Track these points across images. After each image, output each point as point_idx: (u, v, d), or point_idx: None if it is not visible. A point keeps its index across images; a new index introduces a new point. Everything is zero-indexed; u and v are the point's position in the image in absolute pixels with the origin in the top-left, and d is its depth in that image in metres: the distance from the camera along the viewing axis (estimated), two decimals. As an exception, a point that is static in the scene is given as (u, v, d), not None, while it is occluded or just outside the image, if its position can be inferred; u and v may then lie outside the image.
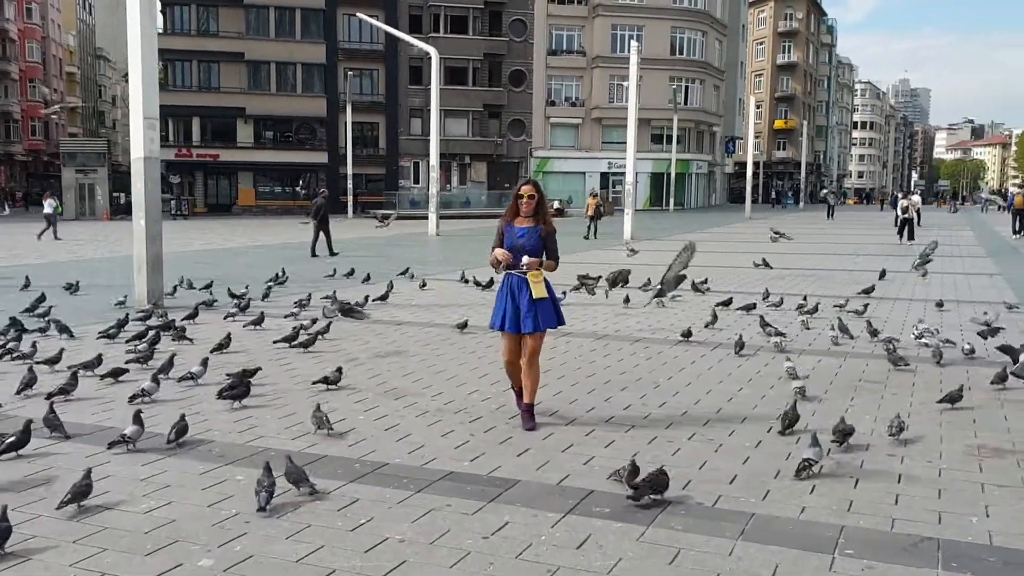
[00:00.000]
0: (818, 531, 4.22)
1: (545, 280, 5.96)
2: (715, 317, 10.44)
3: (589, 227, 28.45)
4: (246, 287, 12.78)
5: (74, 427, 5.78)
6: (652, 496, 4.51)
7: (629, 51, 29.96)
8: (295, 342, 8.83)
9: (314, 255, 20.76)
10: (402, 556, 3.90)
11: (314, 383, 7.13)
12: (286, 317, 10.66)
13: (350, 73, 50.40)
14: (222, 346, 8.60)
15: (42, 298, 11.30)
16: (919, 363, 8.16)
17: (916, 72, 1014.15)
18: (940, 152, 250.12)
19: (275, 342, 8.97)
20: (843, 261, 19.91)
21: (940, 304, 12.10)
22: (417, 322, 10.68)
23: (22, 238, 28.80)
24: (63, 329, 9.28)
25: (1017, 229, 29.74)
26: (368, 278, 14.90)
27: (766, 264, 17.59)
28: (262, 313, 10.37)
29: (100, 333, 9.25)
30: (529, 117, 56.70)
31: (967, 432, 5.93)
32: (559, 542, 4.07)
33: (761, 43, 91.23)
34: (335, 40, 53.32)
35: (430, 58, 31.67)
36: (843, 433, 5.52)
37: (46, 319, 10.01)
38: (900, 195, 37.05)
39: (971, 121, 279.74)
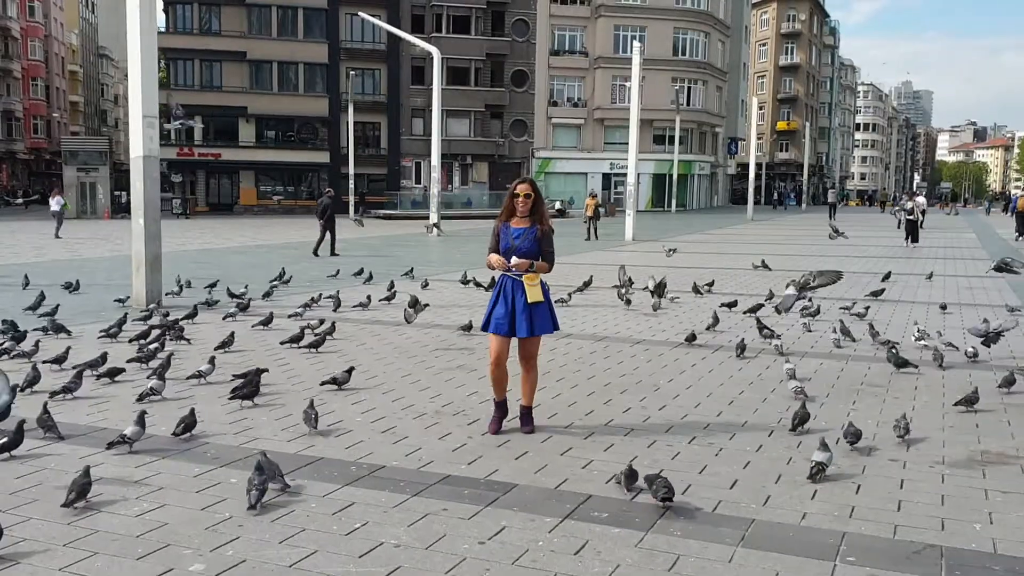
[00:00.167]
0: (819, 538, 4.16)
1: (541, 283, 5.79)
2: (716, 319, 10.37)
3: (589, 228, 28.35)
4: (245, 287, 12.74)
5: (68, 428, 5.72)
6: (664, 501, 4.44)
7: (631, 52, 29.95)
8: (302, 343, 8.80)
9: (316, 255, 20.74)
10: (397, 561, 3.84)
11: (322, 383, 7.08)
12: (290, 317, 10.59)
13: (352, 73, 50.38)
14: (226, 344, 8.59)
15: (42, 296, 11.27)
16: (921, 366, 8.10)
17: (919, 74, 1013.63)
18: (942, 154, 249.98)
19: (282, 343, 8.93)
20: (844, 263, 19.82)
21: (943, 307, 12.05)
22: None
23: (22, 236, 28.80)
24: (59, 329, 9.23)
25: (1020, 232, 29.66)
26: (371, 277, 14.86)
27: (765, 266, 17.53)
28: (271, 313, 10.32)
29: (101, 332, 9.21)
30: (531, 117, 56.66)
31: (970, 437, 5.87)
32: (556, 548, 4.01)
33: (764, 44, 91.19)
34: (337, 40, 53.31)
35: (432, 58, 31.62)
36: (855, 435, 5.50)
37: (51, 318, 9.98)
38: (905, 197, 36.98)
39: (973, 123, 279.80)
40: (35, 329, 9.34)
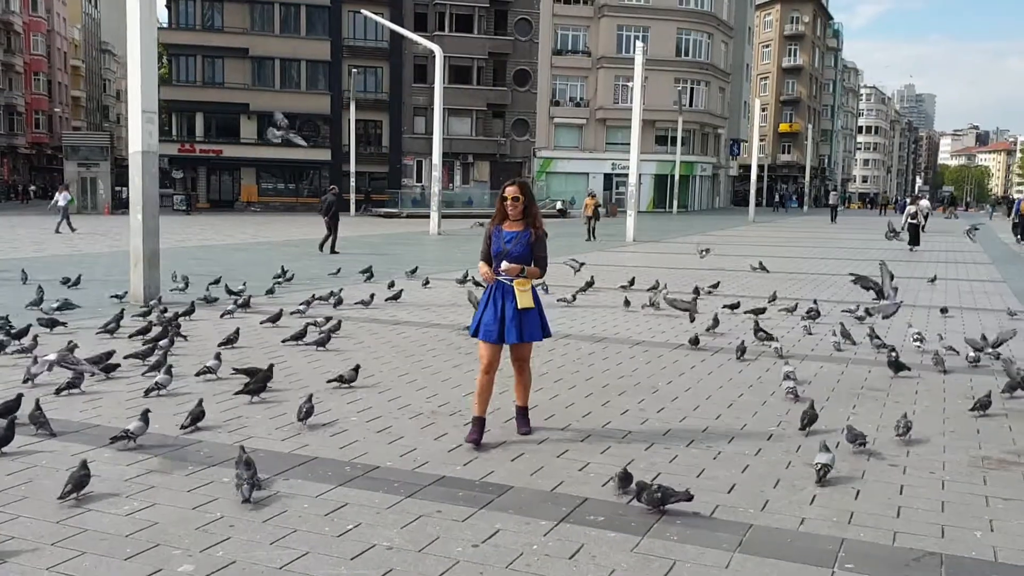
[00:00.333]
0: (818, 544, 4.11)
1: (533, 290, 5.58)
2: (716, 321, 10.31)
3: (588, 228, 28.29)
4: (243, 284, 12.69)
5: (61, 424, 5.67)
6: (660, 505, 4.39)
7: (634, 52, 29.87)
8: (307, 340, 8.78)
9: (321, 251, 20.74)
10: (389, 564, 3.79)
11: (329, 381, 7.03)
12: (292, 314, 10.52)
13: (354, 70, 50.31)
14: (230, 340, 8.56)
15: (41, 292, 11.20)
16: (921, 370, 8.05)
17: (921, 78, 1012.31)
18: (944, 158, 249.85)
19: (284, 341, 8.89)
20: (846, 266, 19.77)
21: (944, 310, 11.99)
22: (416, 322, 10.57)
23: (22, 231, 28.76)
24: (52, 324, 9.16)
25: (1021, 236, 29.60)
26: (371, 276, 14.81)
27: (763, 268, 17.49)
28: (280, 310, 10.27)
29: (100, 328, 9.16)
30: (533, 117, 56.57)
31: (971, 443, 5.81)
32: (551, 551, 3.96)
33: (767, 46, 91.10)
34: (340, 37, 53.25)
35: (434, 56, 31.57)
36: (860, 438, 5.49)
37: (60, 310, 10.12)
38: (908, 200, 36.88)
39: (976, 127, 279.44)
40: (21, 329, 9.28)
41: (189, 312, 10.31)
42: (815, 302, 11.67)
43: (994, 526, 4.37)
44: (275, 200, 53.26)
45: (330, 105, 52.98)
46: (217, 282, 13.04)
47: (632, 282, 14.24)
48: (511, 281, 5.47)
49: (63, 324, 9.30)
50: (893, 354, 8.17)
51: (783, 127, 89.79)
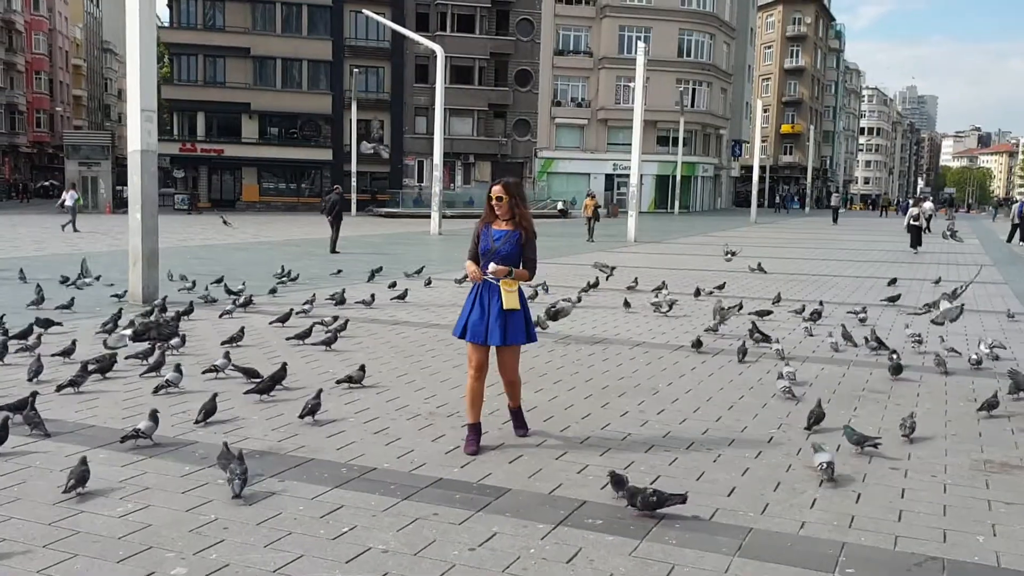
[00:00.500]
0: (818, 548, 4.06)
1: (520, 291, 5.43)
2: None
3: (589, 229, 28.24)
4: (243, 284, 12.65)
5: (55, 425, 5.63)
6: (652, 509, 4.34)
7: (636, 52, 29.81)
8: (312, 340, 8.76)
9: (333, 251, 20.70)
10: (384, 567, 3.75)
11: (338, 382, 6.99)
12: (297, 314, 10.46)
13: (356, 70, 50.24)
14: (235, 339, 8.54)
15: (39, 290, 11.17)
16: (923, 372, 7.99)
17: (923, 79, 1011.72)
18: (946, 159, 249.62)
19: (288, 339, 8.85)
20: (848, 267, 19.72)
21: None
22: (415, 322, 10.53)
23: (23, 230, 28.74)
24: (47, 324, 9.13)
25: (1019, 237, 29.56)
26: (372, 276, 14.78)
27: (761, 269, 17.44)
28: (291, 310, 10.24)
29: (100, 327, 9.13)
30: (534, 117, 56.53)
31: (973, 445, 5.77)
32: (548, 555, 3.91)
33: (769, 47, 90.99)
34: (341, 37, 53.22)
35: (436, 56, 31.53)
36: (860, 441, 5.47)
37: (70, 308, 10.29)
38: (911, 201, 36.79)
39: (978, 129, 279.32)
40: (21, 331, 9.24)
41: (188, 312, 10.27)
42: (821, 303, 11.62)
43: (997, 530, 4.32)
44: (276, 200, 53.22)
45: (331, 105, 52.94)
46: (219, 281, 13.00)
47: (636, 282, 14.25)
48: (498, 281, 5.34)
49: (59, 324, 9.25)
50: (895, 356, 8.12)
51: (785, 128, 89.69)
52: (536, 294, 12.63)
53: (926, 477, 5.11)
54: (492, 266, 5.29)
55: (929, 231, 29.69)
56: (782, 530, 4.27)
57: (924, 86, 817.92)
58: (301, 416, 5.94)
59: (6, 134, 67.24)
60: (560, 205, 49.73)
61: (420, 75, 53.48)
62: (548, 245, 24.22)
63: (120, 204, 44.30)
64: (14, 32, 67.47)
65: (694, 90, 59.30)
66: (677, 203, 55.08)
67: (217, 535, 4.02)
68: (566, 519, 4.33)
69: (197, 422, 5.75)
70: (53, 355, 7.59)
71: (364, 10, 40.53)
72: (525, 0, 55.37)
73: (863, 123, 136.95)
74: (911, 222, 26.04)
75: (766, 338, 9.18)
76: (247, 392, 6.60)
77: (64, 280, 13.10)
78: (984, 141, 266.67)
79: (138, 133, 11.39)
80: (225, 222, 30.69)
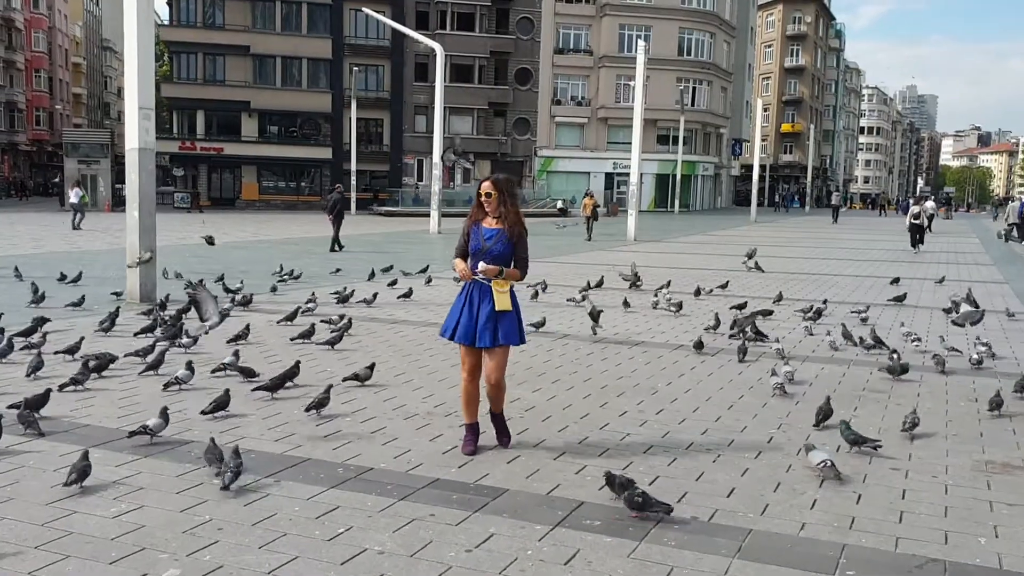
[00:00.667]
0: (818, 549, 4.02)
1: (511, 291, 5.27)
2: (718, 321, 10.22)
3: (587, 228, 28.19)
4: (241, 282, 12.61)
5: (50, 424, 5.59)
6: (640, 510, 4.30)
7: (636, 51, 29.76)
8: (316, 339, 8.73)
9: (341, 248, 20.67)
10: (380, 569, 3.71)
11: (345, 380, 6.96)
12: (303, 313, 10.42)
13: (356, 69, 50.16)
14: (240, 337, 8.53)
15: (35, 289, 11.13)
16: (923, 372, 7.95)
17: (923, 79, 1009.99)
18: (946, 159, 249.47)
19: (292, 340, 8.81)
20: (849, 267, 19.68)
21: (948, 311, 11.87)
22: (414, 321, 10.49)
23: (22, 228, 28.68)
24: (41, 322, 9.08)
25: (1019, 236, 29.50)
26: (373, 275, 14.74)
27: (758, 268, 17.39)
28: (297, 308, 10.20)
29: (99, 326, 9.09)
30: (534, 116, 56.44)
31: (975, 446, 5.73)
32: (546, 557, 3.87)
33: (769, 46, 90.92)
34: (341, 35, 53.12)
35: (436, 55, 31.48)
36: (858, 441, 5.44)
37: (80, 305, 10.33)
38: (911, 200, 36.75)
39: (978, 128, 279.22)
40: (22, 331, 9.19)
41: (187, 310, 10.21)
42: (824, 302, 11.58)
43: (999, 532, 4.28)
44: (276, 199, 53.15)
45: (331, 103, 52.85)
46: (220, 279, 12.96)
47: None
48: (489, 281, 5.21)
49: (48, 320, 9.19)
50: (895, 355, 8.08)
51: (785, 127, 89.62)
52: (536, 294, 12.59)
53: (927, 478, 5.07)
54: (482, 265, 5.16)
55: (931, 231, 29.63)
56: (782, 531, 4.23)
57: (924, 86, 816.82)
58: (307, 409, 5.96)
59: (5, 132, 67.16)
60: (560, 204, 49.65)
61: (420, 74, 53.39)
62: (548, 244, 24.18)
63: (119, 202, 44.19)
64: (14, 30, 67.38)
65: (694, 89, 59.21)
66: (677, 202, 55.02)
67: (211, 536, 3.98)
68: (564, 520, 4.29)
69: (204, 412, 5.81)
70: (57, 352, 7.58)
71: (364, 8, 40.45)
72: (525, -1, 55.30)
73: (863, 122, 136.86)
74: (912, 221, 26.00)
75: (760, 335, 9.14)
76: (255, 389, 6.58)
77: (62, 278, 13.05)
78: (984, 140, 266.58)
79: (136, 131, 11.33)
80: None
